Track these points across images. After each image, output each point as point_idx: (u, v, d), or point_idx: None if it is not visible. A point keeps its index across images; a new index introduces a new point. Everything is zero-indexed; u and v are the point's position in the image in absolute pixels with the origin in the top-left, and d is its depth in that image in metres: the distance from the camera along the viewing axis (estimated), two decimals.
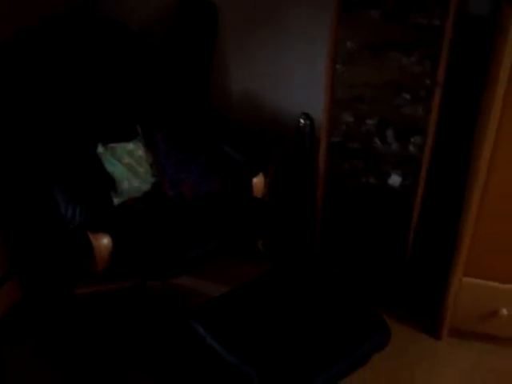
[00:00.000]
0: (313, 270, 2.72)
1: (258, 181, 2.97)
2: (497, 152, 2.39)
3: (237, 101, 3.53)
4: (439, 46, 2.62)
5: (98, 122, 3.00)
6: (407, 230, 3.06)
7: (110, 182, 2.79)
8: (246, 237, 2.87)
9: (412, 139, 2.93)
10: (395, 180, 3.04)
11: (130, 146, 2.92)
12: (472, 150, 2.80)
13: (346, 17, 2.72)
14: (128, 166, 2.86)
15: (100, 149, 2.83)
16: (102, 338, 2.89)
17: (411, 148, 2.93)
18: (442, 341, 2.94)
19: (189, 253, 2.61)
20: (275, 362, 2.05)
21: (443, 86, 2.68)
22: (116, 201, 2.79)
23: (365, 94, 2.94)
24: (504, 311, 2.70)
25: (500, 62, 2.25)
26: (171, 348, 2.84)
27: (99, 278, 2.71)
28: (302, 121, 3.20)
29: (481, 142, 2.45)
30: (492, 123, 2.34)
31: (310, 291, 2.41)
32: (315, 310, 2.29)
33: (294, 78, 3.33)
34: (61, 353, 2.81)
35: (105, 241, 2.56)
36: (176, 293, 3.11)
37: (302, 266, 2.64)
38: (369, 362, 2.18)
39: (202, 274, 3.06)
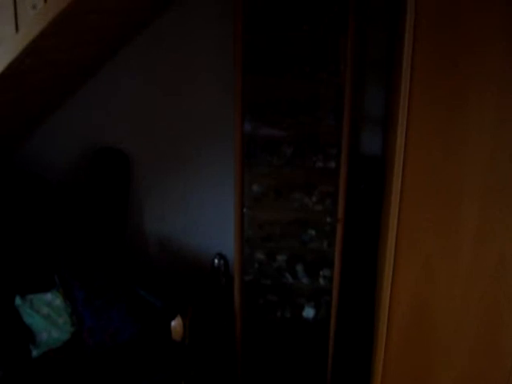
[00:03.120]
0: None
1: (176, 324, 3.02)
2: (395, 284, 2.58)
3: (153, 242, 3.64)
4: (336, 186, 2.88)
5: (16, 273, 3.02)
6: (325, 359, 3.16)
7: (29, 334, 2.78)
8: (168, 381, 2.88)
9: (321, 272, 3.12)
10: (309, 312, 3.18)
11: (48, 296, 2.94)
12: (375, 292, 2.99)
13: (249, 163, 2.97)
14: (46, 316, 2.87)
15: (18, 301, 2.85)
16: None
17: (321, 281, 3.11)
18: None
19: None
20: None
21: (344, 221, 2.91)
22: (35, 353, 2.77)
23: (274, 233, 3.15)
24: None
25: (389, 200, 2.50)
26: None
27: None
28: (216, 261, 3.34)
29: (380, 287, 2.64)
30: (389, 252, 2.54)
31: None
32: None
33: (207, 219, 3.51)
34: None
35: None
36: None
37: None
38: None
39: None
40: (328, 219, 2.99)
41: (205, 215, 3.51)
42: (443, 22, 2.21)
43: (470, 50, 2.22)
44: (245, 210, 2.99)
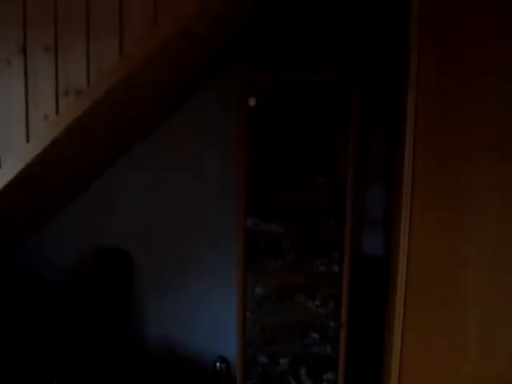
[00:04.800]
0: None
1: None
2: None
3: (155, 344, 3.57)
4: (339, 289, 2.88)
5: (14, 376, 2.96)
6: None
7: None
8: None
9: (325, 376, 3.06)
10: None
11: None
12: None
13: (252, 266, 2.99)
14: None
15: None
16: None
17: None
18: None
19: None
20: None
21: (347, 325, 2.89)
22: None
23: (276, 335, 3.11)
24: None
25: (393, 303, 2.49)
26: None
27: None
28: (218, 364, 3.28)
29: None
30: (395, 356, 2.49)
31: None
32: None
33: (209, 321, 3.46)
34: None
35: None
36: None
37: None
38: None
39: None
40: (331, 323, 2.97)
41: (207, 317, 3.48)
42: (442, 131, 2.28)
43: (470, 156, 2.28)
44: (248, 313, 2.98)
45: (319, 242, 3.03)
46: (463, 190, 2.31)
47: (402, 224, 2.37)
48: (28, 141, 2.34)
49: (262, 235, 3.02)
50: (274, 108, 2.96)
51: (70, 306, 3.31)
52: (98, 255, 3.42)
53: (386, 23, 3.06)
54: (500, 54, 2.23)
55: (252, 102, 2.80)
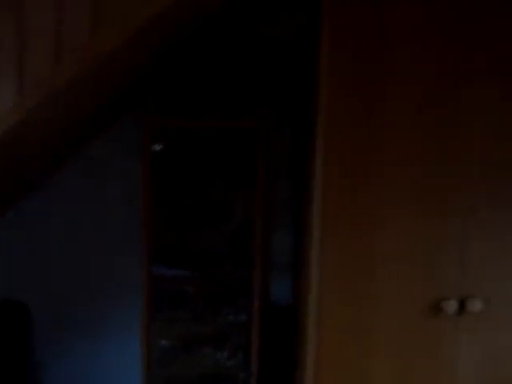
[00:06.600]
0: None
1: None
2: None
3: None
4: (249, 339, 2.81)
5: None
6: None
7: None
8: None
9: None
10: None
11: None
12: None
13: (157, 316, 2.88)
14: None
15: None
16: None
17: None
18: None
19: None
20: None
21: (258, 375, 2.81)
22: None
23: None
24: None
25: (304, 356, 2.44)
26: None
27: None
28: None
29: None
30: None
31: None
32: None
33: (113, 375, 3.28)
34: None
35: None
36: None
37: None
38: None
39: None
40: (241, 374, 2.88)
41: (109, 370, 3.29)
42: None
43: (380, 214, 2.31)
44: (152, 366, 2.85)
45: (227, 289, 2.96)
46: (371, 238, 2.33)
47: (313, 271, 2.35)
48: None
49: (167, 284, 2.92)
50: (180, 152, 2.89)
51: None
52: None
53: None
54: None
55: (157, 146, 2.72)
